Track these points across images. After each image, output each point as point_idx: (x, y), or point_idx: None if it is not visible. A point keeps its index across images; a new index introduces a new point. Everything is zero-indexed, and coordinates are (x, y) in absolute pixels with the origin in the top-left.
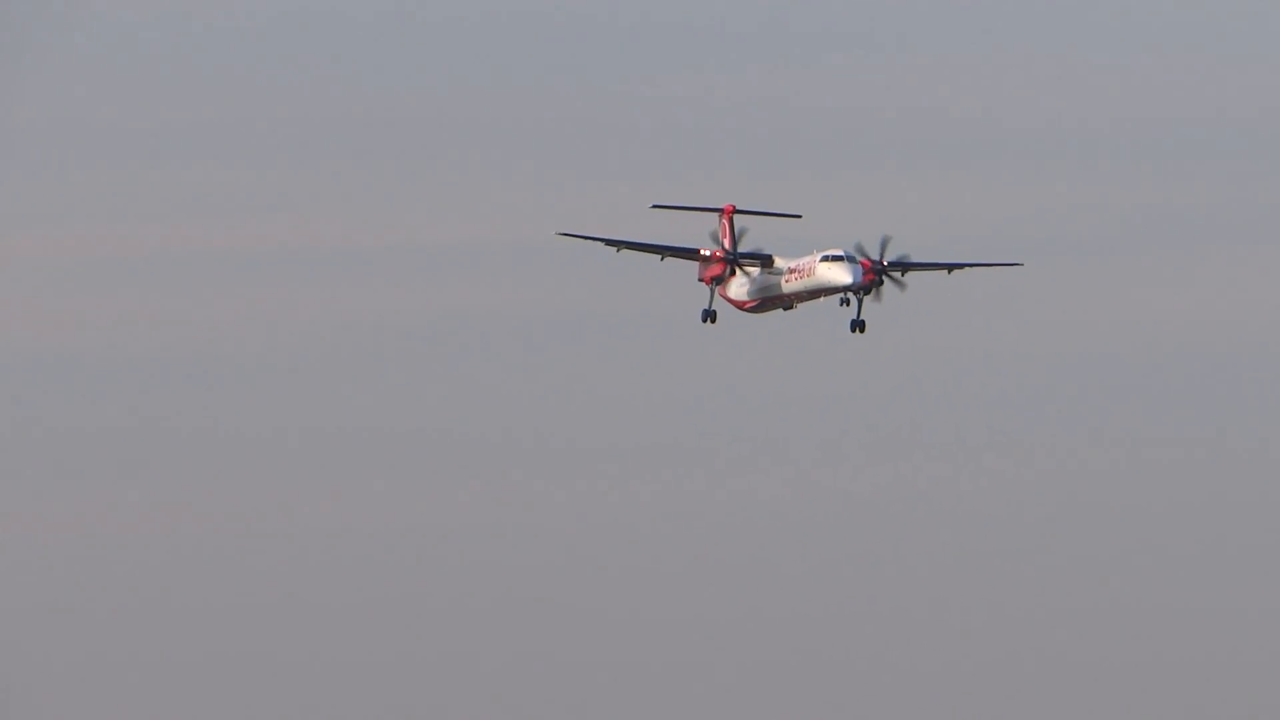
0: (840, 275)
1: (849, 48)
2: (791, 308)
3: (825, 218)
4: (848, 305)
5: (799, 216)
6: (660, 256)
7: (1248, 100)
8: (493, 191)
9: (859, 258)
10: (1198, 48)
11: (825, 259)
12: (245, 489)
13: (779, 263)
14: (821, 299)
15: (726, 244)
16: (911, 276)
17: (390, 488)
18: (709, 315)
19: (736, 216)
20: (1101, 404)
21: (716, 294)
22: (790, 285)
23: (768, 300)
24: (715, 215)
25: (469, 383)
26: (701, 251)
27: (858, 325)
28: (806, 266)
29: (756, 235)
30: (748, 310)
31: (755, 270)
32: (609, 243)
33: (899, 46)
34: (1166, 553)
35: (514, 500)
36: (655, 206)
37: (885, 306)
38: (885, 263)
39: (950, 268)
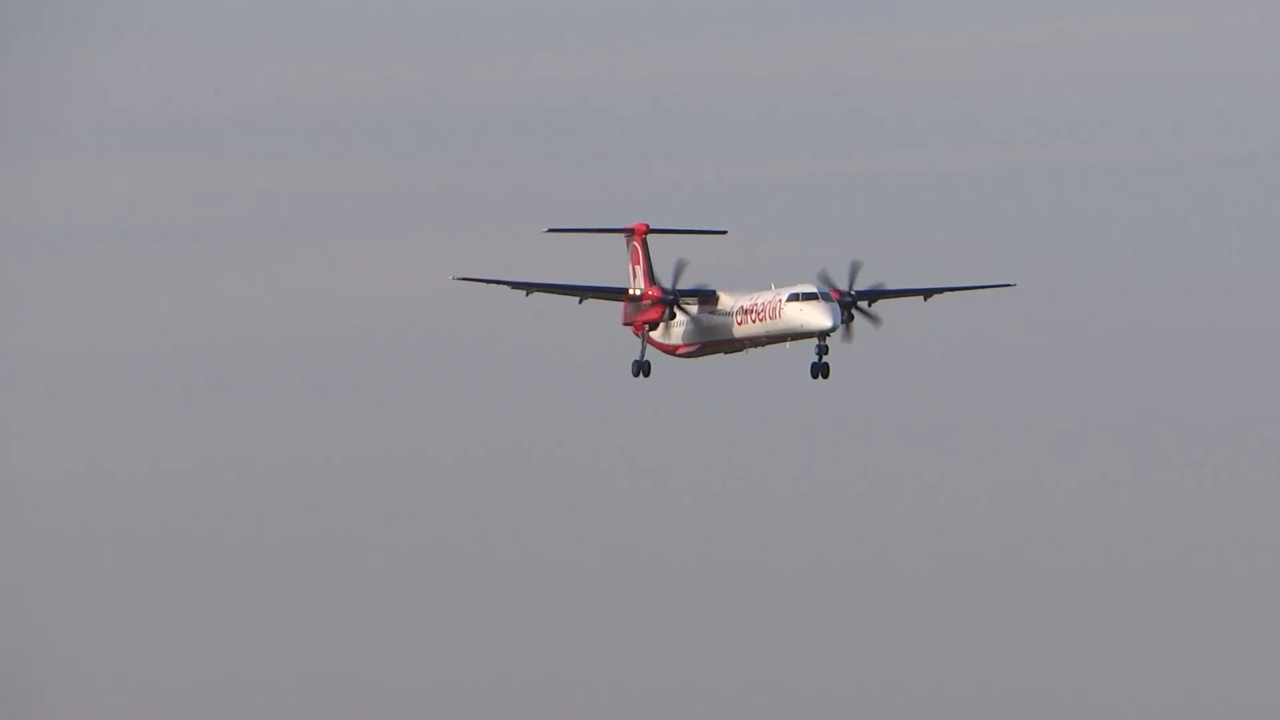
0: (816, 318)
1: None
2: (739, 350)
3: (755, 235)
4: (825, 354)
5: (724, 233)
6: (579, 299)
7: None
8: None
9: (830, 291)
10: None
11: (794, 298)
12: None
13: (725, 300)
14: (788, 344)
15: (641, 273)
16: (881, 306)
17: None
18: (642, 367)
19: (651, 237)
20: (1126, 455)
21: (647, 339)
22: (745, 329)
23: (709, 344)
24: (623, 237)
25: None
26: (631, 291)
27: (820, 369)
28: (768, 307)
29: (670, 259)
30: (681, 355)
31: (693, 308)
32: (516, 285)
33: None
34: (1173, 621)
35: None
36: (551, 230)
37: (848, 345)
38: (854, 292)
39: (926, 293)
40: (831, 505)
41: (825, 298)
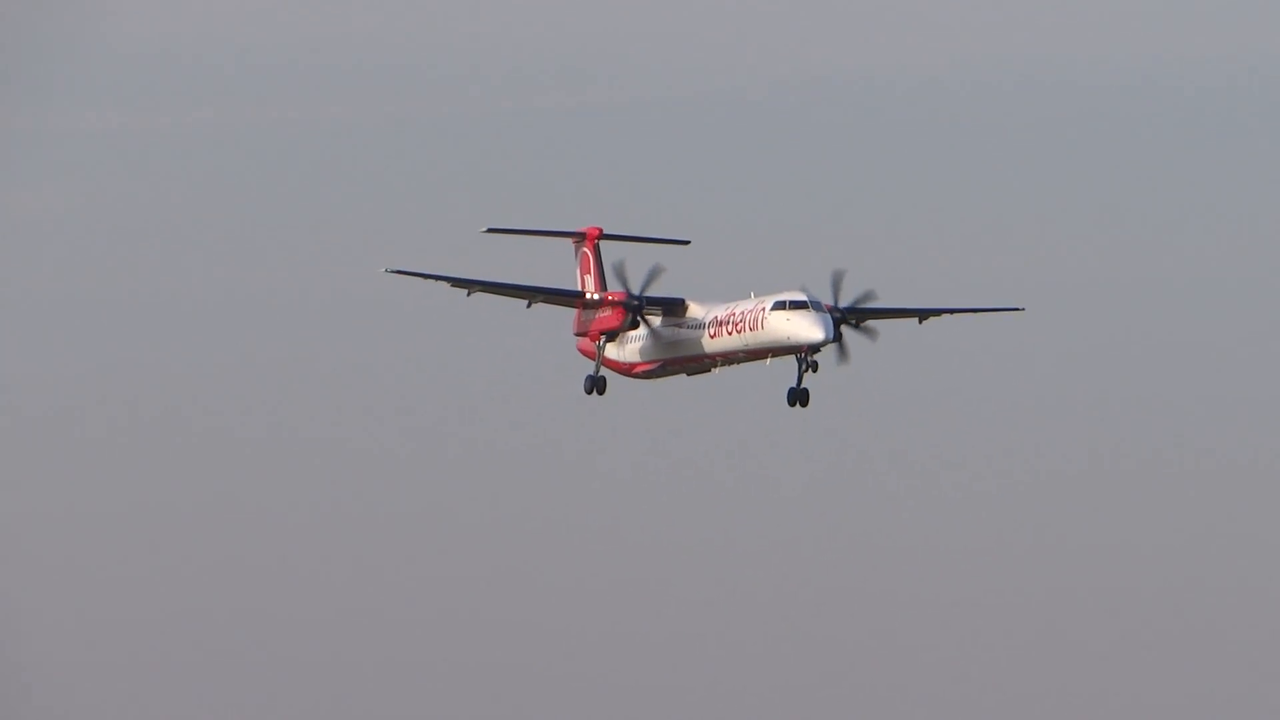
0: (806, 330)
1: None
2: (707, 370)
3: (721, 245)
4: (814, 370)
5: (687, 243)
6: (527, 301)
7: None
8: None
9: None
10: None
11: (780, 306)
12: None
13: (695, 310)
14: (769, 360)
15: (592, 283)
16: (870, 326)
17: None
18: (596, 384)
19: (604, 243)
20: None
21: (602, 354)
22: (719, 342)
23: (673, 362)
24: (572, 243)
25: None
26: (589, 294)
27: (799, 396)
28: (748, 317)
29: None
30: (637, 374)
31: (655, 320)
32: (456, 283)
33: None
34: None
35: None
36: (490, 230)
37: (832, 370)
38: (842, 309)
39: (922, 315)
40: (805, 552)
41: (816, 307)
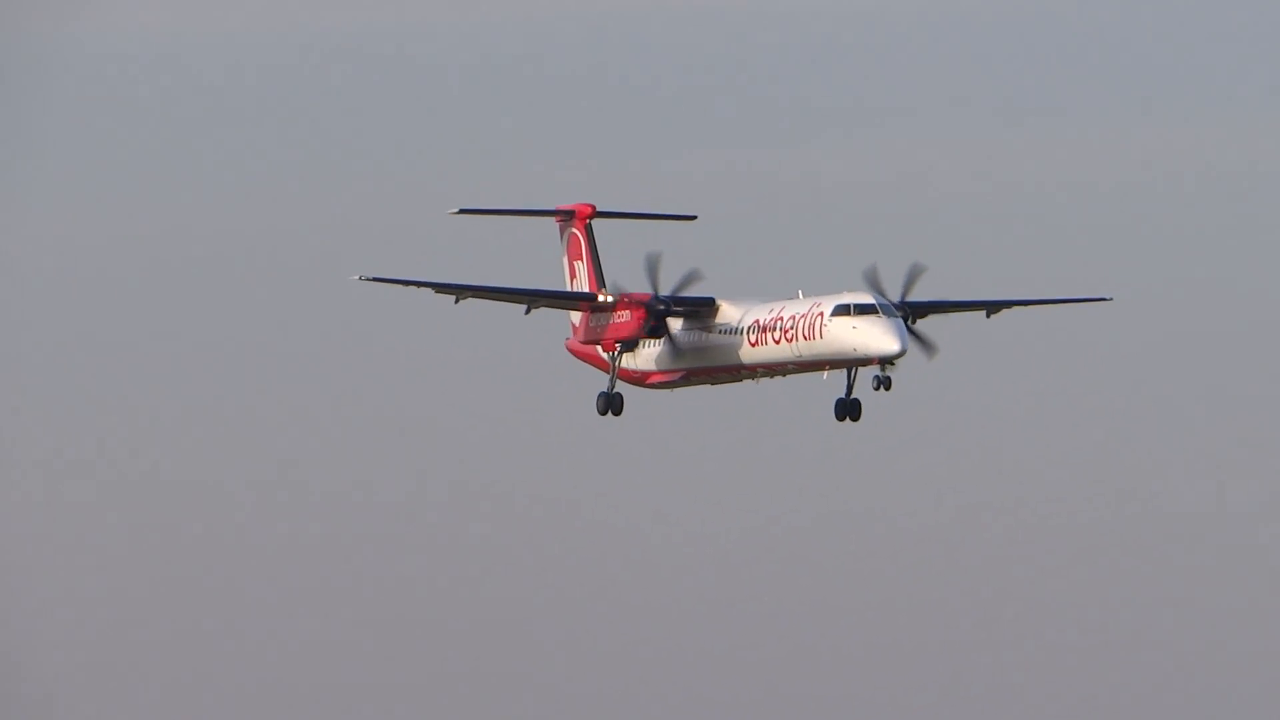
0: (878, 340)
1: None
2: (737, 380)
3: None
4: (885, 388)
5: (693, 218)
6: (526, 307)
7: None
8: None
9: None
10: None
11: (843, 310)
12: None
13: (728, 311)
14: (824, 372)
15: (584, 267)
16: (930, 323)
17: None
18: (611, 402)
19: (596, 223)
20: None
21: (618, 366)
22: (762, 352)
23: (699, 372)
24: (557, 223)
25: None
26: (603, 297)
27: (848, 407)
28: (801, 323)
29: (625, 252)
30: (652, 385)
31: (677, 324)
32: (442, 289)
33: None
34: None
35: None
36: (461, 211)
37: (922, 366)
38: (907, 303)
39: (990, 308)
40: (862, 594)
41: (887, 311)
